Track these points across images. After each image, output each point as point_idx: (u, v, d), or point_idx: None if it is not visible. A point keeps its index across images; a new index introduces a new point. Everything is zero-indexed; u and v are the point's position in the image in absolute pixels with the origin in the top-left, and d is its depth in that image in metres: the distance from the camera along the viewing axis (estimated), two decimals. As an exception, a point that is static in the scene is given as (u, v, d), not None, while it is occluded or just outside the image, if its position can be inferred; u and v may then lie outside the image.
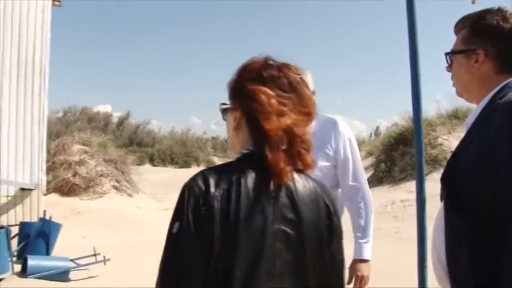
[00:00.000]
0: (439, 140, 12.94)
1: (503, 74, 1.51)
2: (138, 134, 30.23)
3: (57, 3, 9.66)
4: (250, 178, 1.19)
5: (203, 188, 1.16)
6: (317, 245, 1.23)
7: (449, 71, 1.66)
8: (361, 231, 2.45)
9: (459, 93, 1.66)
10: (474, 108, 1.58)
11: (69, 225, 9.16)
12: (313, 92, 2.45)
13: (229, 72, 1.32)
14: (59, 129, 20.09)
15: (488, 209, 1.34)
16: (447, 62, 1.64)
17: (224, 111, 1.34)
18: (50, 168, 11.99)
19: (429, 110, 14.72)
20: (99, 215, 10.94)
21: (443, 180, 1.51)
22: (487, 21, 1.51)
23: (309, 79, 2.44)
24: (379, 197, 12.01)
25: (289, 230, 1.19)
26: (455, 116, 14.15)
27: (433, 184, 10.00)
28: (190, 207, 1.15)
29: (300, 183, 1.24)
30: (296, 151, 1.22)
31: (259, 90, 1.22)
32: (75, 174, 12.53)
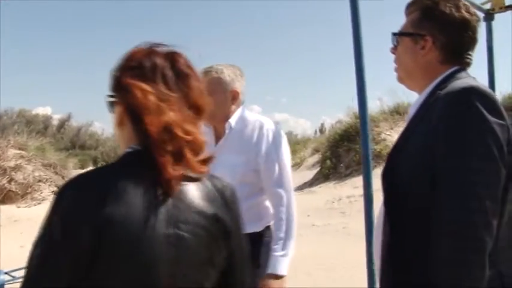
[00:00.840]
0: (382, 136, 13.27)
1: (448, 64, 1.47)
2: (80, 136, 29.48)
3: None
4: (131, 182, 1.05)
5: (74, 195, 1.04)
6: (212, 249, 1.14)
7: (393, 53, 1.59)
8: (279, 243, 2.24)
9: (400, 79, 1.59)
10: (415, 99, 1.54)
11: (6, 235, 8.66)
12: (236, 93, 2.35)
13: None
14: (-6, 133, 18.98)
15: (423, 205, 1.30)
16: (393, 43, 1.57)
17: (110, 105, 1.19)
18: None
19: (372, 106, 15.09)
20: (38, 222, 10.31)
21: (384, 174, 1.46)
22: (440, 7, 1.46)
23: (229, 78, 2.33)
24: (326, 194, 12.15)
25: (184, 234, 1.08)
26: (397, 112, 14.56)
27: (378, 179, 10.33)
28: (59, 217, 1.03)
29: (191, 186, 1.14)
30: (180, 153, 1.08)
31: (135, 84, 1.08)
32: (10, 180, 11.84)
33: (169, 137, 1.06)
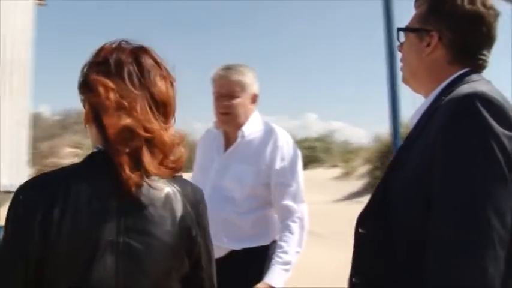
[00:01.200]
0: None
1: (457, 65, 1.25)
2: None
3: (42, 2, 9.48)
4: (84, 186, 1.04)
5: (24, 200, 1.04)
6: (171, 258, 1.09)
7: (400, 50, 1.40)
8: (283, 256, 2.07)
9: (405, 80, 1.40)
10: (418, 106, 1.32)
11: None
12: (256, 96, 2.22)
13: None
14: (56, 132, 20.03)
15: (417, 229, 1.10)
16: (398, 40, 1.38)
17: (81, 101, 1.17)
18: (41, 172, 11.82)
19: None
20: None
21: (374, 193, 1.27)
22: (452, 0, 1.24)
23: (250, 80, 2.20)
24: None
25: (134, 243, 1.04)
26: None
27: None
28: (12, 221, 1.04)
29: (151, 191, 1.08)
30: (138, 153, 1.05)
31: (98, 81, 1.06)
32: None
33: (129, 137, 1.04)
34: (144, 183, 1.06)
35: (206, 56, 61.77)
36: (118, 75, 1.08)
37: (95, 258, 1.01)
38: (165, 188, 1.11)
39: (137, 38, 1.16)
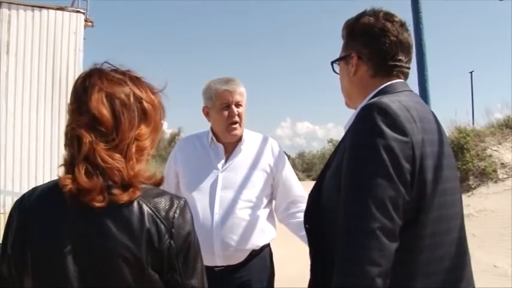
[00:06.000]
0: (488, 152, 12.14)
1: (379, 78, 1.41)
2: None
3: (89, 23, 9.95)
4: (51, 199, 1.10)
5: (12, 215, 1.14)
6: (134, 272, 1.07)
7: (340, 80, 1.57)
8: None
9: (346, 104, 1.57)
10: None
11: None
12: (235, 103, 2.26)
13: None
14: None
15: (335, 220, 1.22)
16: (334, 71, 1.55)
17: None
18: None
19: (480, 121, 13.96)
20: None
21: (312, 190, 1.42)
22: (360, 22, 1.42)
23: (236, 90, 2.27)
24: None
25: (93, 257, 1.06)
26: (507, 126, 13.29)
27: (480, 199, 9.30)
28: (4, 236, 1.13)
29: (116, 205, 1.07)
30: (92, 162, 1.08)
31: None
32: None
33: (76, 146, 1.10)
34: (108, 196, 1.06)
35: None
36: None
37: (58, 272, 1.05)
38: (130, 202, 1.09)
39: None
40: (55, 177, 1.14)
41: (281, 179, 2.37)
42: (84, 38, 9.87)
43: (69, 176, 1.06)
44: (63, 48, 9.46)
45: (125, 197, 1.07)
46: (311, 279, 1.40)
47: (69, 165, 1.09)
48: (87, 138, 1.07)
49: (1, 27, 8.96)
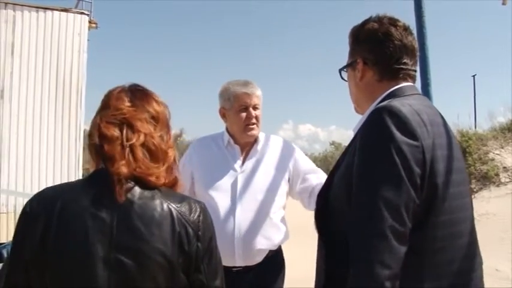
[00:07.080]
0: (490, 155, 12.12)
1: (386, 82, 1.42)
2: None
3: (93, 25, 9.99)
4: (84, 198, 1.11)
5: (28, 212, 1.13)
6: (165, 275, 1.11)
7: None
8: None
9: (355, 109, 1.58)
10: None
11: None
12: (253, 106, 2.32)
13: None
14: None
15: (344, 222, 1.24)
16: (342, 79, 1.56)
17: None
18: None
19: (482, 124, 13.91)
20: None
21: (320, 192, 1.44)
22: (364, 28, 1.45)
23: (253, 93, 2.32)
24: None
25: (126, 260, 1.08)
26: (510, 129, 13.26)
27: (482, 203, 9.25)
28: (16, 230, 1.13)
29: (146, 208, 1.13)
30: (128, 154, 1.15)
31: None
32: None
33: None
34: (138, 200, 1.12)
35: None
36: None
37: (87, 274, 1.06)
38: (159, 205, 1.14)
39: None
40: (58, 178, 1.18)
41: (301, 172, 2.41)
42: (88, 40, 9.93)
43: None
44: (67, 50, 9.51)
45: (155, 201, 1.17)
46: (317, 279, 1.40)
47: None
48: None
49: (6, 28, 9.01)
